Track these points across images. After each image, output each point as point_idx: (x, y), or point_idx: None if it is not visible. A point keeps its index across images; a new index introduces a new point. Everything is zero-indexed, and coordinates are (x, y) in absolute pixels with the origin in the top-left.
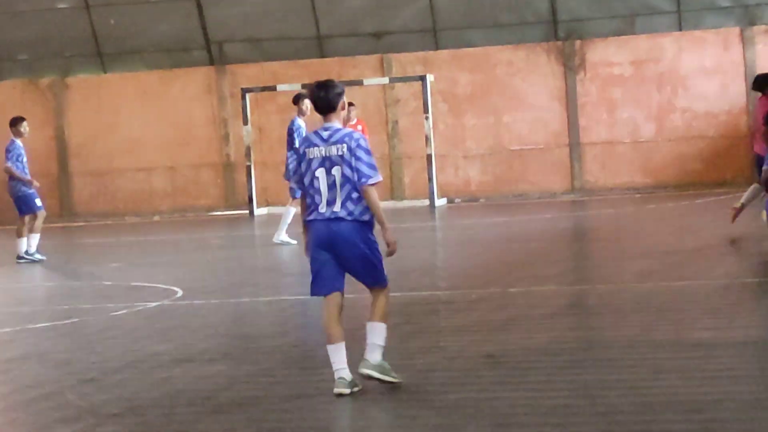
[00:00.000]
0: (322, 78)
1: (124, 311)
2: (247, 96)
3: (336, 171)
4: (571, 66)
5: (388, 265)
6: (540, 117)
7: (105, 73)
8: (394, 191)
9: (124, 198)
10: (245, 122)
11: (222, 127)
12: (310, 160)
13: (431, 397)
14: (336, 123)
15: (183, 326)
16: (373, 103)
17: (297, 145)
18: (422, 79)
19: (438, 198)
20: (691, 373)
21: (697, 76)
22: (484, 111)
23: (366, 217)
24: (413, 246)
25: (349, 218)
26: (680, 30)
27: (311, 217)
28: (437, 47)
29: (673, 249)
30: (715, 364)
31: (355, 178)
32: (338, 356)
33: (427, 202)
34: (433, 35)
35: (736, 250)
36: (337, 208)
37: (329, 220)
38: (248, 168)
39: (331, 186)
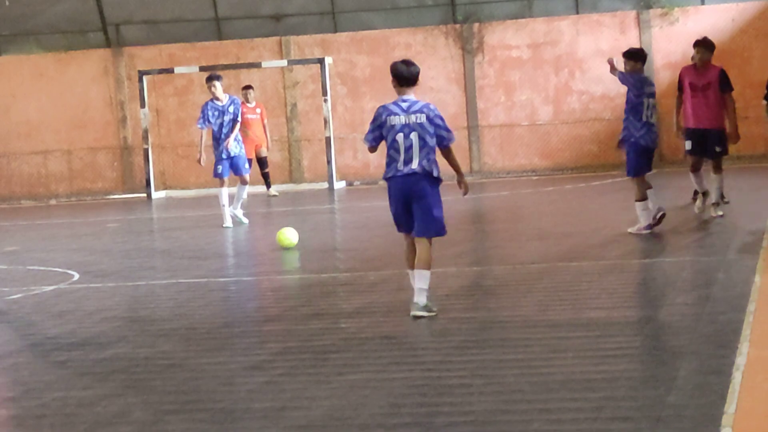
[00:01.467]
0: (220, 61)
1: (20, 295)
2: (144, 78)
3: (414, 136)
4: (469, 49)
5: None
6: (439, 99)
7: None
8: (293, 174)
9: (20, 182)
10: (142, 105)
11: (119, 110)
12: (392, 126)
13: (329, 379)
14: (413, 96)
15: (79, 310)
16: (271, 85)
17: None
18: (321, 61)
19: (337, 181)
20: (586, 352)
21: (594, 59)
22: (383, 94)
23: (435, 174)
24: (312, 229)
25: (422, 174)
26: (577, 13)
27: (390, 174)
28: (336, 30)
29: (570, 230)
30: (609, 343)
31: (434, 142)
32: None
33: (326, 184)
34: (332, 18)
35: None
36: (414, 165)
37: (406, 175)
38: (146, 151)
39: (408, 148)
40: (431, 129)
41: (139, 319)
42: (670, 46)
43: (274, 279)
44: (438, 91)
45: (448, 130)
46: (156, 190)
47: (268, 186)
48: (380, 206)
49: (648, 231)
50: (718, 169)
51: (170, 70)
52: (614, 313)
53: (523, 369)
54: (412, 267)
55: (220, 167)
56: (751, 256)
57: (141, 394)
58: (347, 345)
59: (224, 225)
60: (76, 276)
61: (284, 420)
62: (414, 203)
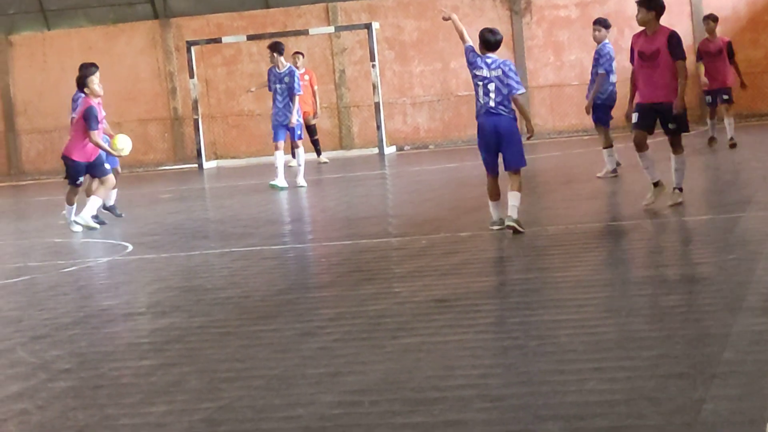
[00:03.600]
0: (268, 29)
1: (75, 268)
2: (193, 49)
3: (491, 86)
4: (517, 10)
5: (338, 214)
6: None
7: (49, 29)
8: (342, 140)
9: None
10: (191, 75)
11: (168, 81)
12: (476, 76)
13: (382, 343)
14: (494, 56)
15: (134, 281)
16: (319, 52)
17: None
18: (368, 27)
19: (387, 146)
20: (639, 310)
21: None
22: (431, 57)
23: (512, 115)
24: (364, 194)
25: (504, 113)
26: None
27: (479, 119)
28: None
29: (622, 189)
30: (663, 301)
31: (506, 91)
32: (495, 210)
33: (376, 150)
34: None
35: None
36: (492, 104)
37: (488, 113)
38: (196, 121)
39: (486, 94)
40: (505, 80)
41: (193, 288)
42: (719, 2)
43: (326, 245)
44: None
45: (518, 83)
46: (207, 160)
47: (318, 153)
48: (431, 170)
49: (614, 175)
50: (677, 148)
51: (218, 40)
52: (667, 272)
53: (577, 329)
54: (494, 199)
55: (279, 132)
56: None
57: (196, 363)
58: (400, 309)
59: (273, 183)
60: (130, 247)
61: (339, 385)
62: (501, 140)
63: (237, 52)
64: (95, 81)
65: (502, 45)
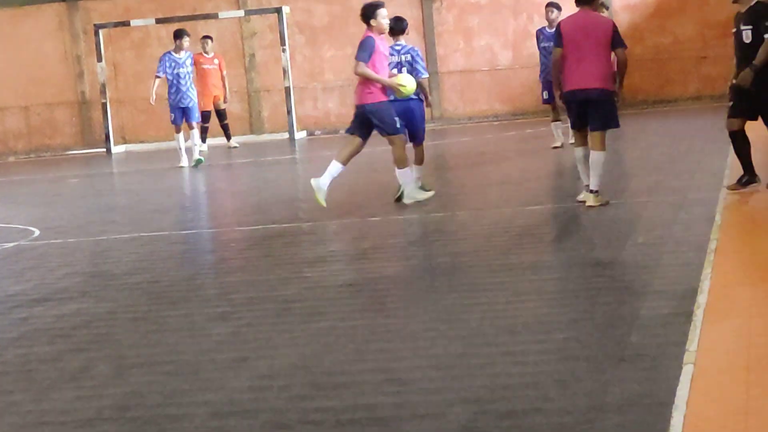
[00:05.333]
0: (177, 12)
1: None
2: (101, 32)
3: (403, 70)
4: None
5: (248, 198)
6: None
7: None
8: (253, 125)
9: None
10: (99, 59)
11: (76, 65)
12: (390, 63)
13: (292, 327)
14: (403, 41)
15: (41, 266)
16: (229, 36)
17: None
18: (278, 11)
19: (298, 131)
20: (548, 294)
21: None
22: (342, 42)
23: (419, 98)
24: (274, 179)
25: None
26: None
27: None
28: None
29: (531, 175)
30: (572, 285)
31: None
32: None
33: (286, 135)
34: None
35: None
36: None
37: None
38: (104, 105)
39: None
40: (414, 65)
41: (101, 273)
42: None
43: (235, 230)
44: None
45: (423, 68)
46: (115, 144)
47: (228, 138)
48: None
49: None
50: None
51: (126, 23)
52: (576, 255)
53: (487, 313)
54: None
55: (173, 116)
56: (712, 195)
57: (104, 349)
58: (310, 294)
59: (180, 164)
60: (37, 232)
61: (248, 370)
62: (411, 118)
63: (146, 36)
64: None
65: (413, 30)
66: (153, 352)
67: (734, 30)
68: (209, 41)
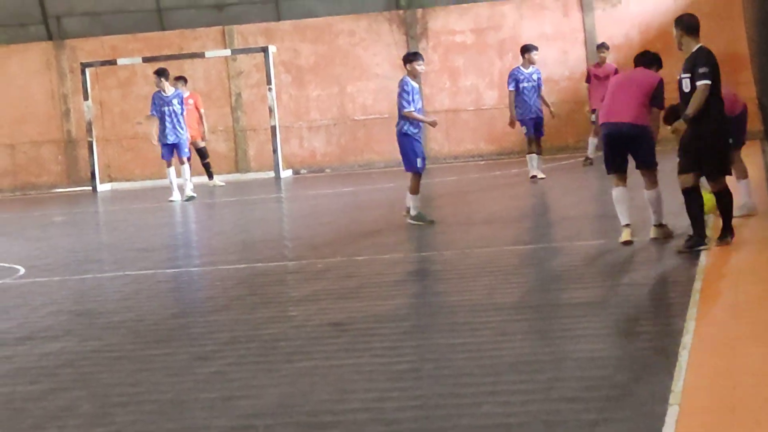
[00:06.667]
0: (163, 51)
1: None
2: (87, 71)
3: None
4: (413, 35)
5: (233, 237)
6: (383, 86)
7: None
8: (239, 164)
9: None
10: (86, 97)
11: (62, 103)
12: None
13: (277, 366)
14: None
15: (25, 304)
16: (215, 75)
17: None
18: (264, 50)
19: (283, 169)
20: (533, 334)
21: (538, 43)
22: (328, 82)
23: (398, 128)
24: (259, 218)
25: (397, 126)
26: None
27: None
28: (279, 18)
29: (516, 214)
30: (556, 325)
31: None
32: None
33: (272, 173)
34: (275, 6)
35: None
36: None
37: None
38: (90, 144)
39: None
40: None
41: (86, 312)
42: (612, 29)
43: (221, 269)
44: (383, 78)
45: (406, 102)
46: (101, 182)
47: (210, 176)
48: (327, 194)
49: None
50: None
51: (113, 62)
52: (561, 295)
53: (472, 352)
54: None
55: (162, 151)
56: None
57: (88, 387)
58: (295, 333)
59: (171, 198)
60: (22, 270)
61: (233, 409)
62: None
63: (132, 74)
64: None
65: (399, 69)
66: (137, 391)
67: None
68: (183, 81)
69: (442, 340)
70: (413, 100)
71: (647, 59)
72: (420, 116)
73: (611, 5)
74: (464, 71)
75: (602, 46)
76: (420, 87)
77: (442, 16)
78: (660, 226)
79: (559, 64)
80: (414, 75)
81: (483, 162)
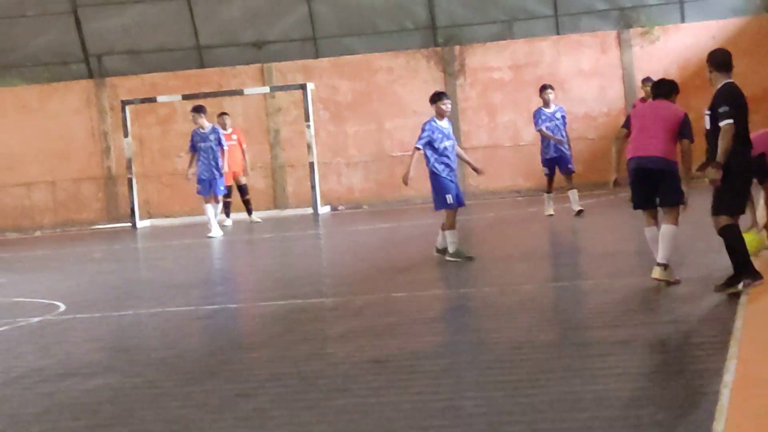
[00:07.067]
0: (202, 89)
1: (6, 327)
2: (127, 108)
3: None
4: (451, 71)
5: (272, 274)
6: (421, 123)
7: None
8: (277, 200)
9: (5, 214)
10: (126, 135)
11: (102, 140)
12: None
13: (317, 404)
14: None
15: (66, 341)
16: (254, 112)
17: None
18: (303, 87)
19: (321, 206)
20: (573, 371)
21: (576, 79)
22: (366, 118)
23: (429, 166)
24: (298, 254)
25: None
26: (558, 34)
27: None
28: (317, 55)
29: (555, 251)
30: (597, 363)
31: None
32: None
33: (310, 210)
34: (314, 43)
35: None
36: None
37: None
38: (130, 180)
39: None
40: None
41: (126, 348)
42: (651, 66)
43: (260, 305)
44: (421, 114)
45: (419, 138)
46: (141, 219)
47: (250, 212)
48: (365, 230)
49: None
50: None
51: (153, 100)
52: (601, 333)
53: (512, 390)
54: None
55: (198, 187)
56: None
57: (129, 424)
58: (335, 370)
59: (210, 235)
60: (63, 307)
61: None
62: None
63: (171, 112)
64: None
65: (432, 106)
66: (177, 428)
67: None
68: (226, 117)
69: (481, 378)
70: (436, 139)
71: (665, 90)
72: (411, 167)
73: (649, 42)
74: (502, 107)
75: (647, 80)
76: (450, 126)
77: (479, 52)
78: (665, 267)
79: (597, 100)
80: (441, 115)
81: (521, 198)
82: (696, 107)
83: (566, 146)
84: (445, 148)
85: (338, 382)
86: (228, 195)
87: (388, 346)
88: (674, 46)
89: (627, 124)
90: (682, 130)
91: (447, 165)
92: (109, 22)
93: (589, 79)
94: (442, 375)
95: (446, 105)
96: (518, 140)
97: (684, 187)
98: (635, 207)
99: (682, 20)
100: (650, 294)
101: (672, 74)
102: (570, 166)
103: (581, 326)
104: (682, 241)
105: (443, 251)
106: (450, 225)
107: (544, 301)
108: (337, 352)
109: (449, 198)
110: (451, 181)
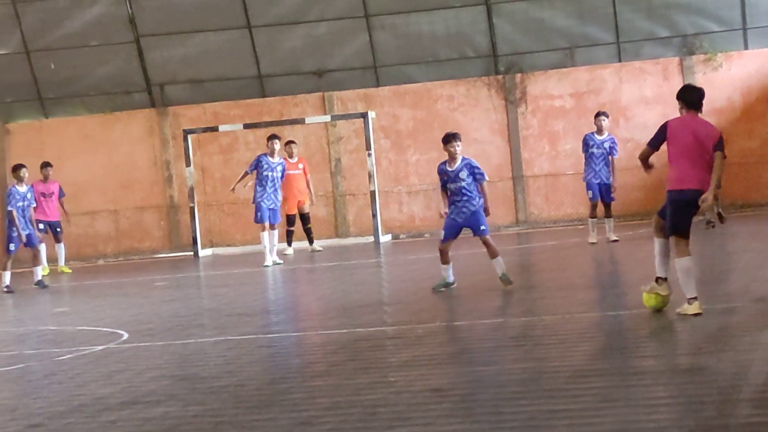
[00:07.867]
0: (264, 118)
1: (70, 356)
2: (189, 137)
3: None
4: (512, 99)
5: (333, 302)
6: (482, 151)
7: (46, 117)
8: (338, 228)
9: (68, 242)
10: (188, 164)
11: (165, 169)
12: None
13: None
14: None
15: (129, 369)
16: (315, 141)
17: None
18: (364, 116)
19: (383, 234)
20: (637, 401)
21: (638, 107)
22: (427, 146)
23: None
24: (359, 282)
25: None
26: (620, 61)
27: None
28: (378, 84)
29: (617, 279)
30: (661, 392)
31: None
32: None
33: (371, 238)
34: (374, 72)
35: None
36: None
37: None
38: (192, 209)
39: None
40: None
41: (189, 377)
42: (714, 93)
43: (321, 334)
44: (482, 143)
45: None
46: (202, 248)
47: (311, 241)
48: (426, 259)
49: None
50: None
51: (215, 129)
52: (663, 361)
53: (574, 419)
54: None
55: (259, 214)
56: None
57: None
58: (396, 398)
59: (264, 264)
60: (125, 335)
61: None
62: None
63: (233, 141)
64: None
65: (498, 134)
66: None
67: None
68: (294, 146)
69: (543, 407)
70: (447, 180)
71: (695, 98)
72: (440, 204)
73: (712, 68)
74: (563, 135)
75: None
76: (463, 166)
77: (540, 80)
78: (663, 281)
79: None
80: (451, 157)
81: (582, 226)
82: (760, 134)
83: (609, 176)
84: (452, 191)
85: (399, 410)
86: (291, 224)
87: (449, 374)
88: (737, 73)
89: (654, 143)
90: (717, 145)
91: (454, 204)
92: (171, 51)
93: (651, 107)
94: (504, 404)
95: (454, 147)
96: (579, 168)
97: (709, 195)
98: (678, 234)
99: (746, 47)
100: (712, 322)
101: (735, 101)
102: (611, 194)
103: (644, 354)
104: (744, 267)
105: (506, 279)
106: (443, 260)
107: (606, 329)
108: (398, 381)
109: (441, 234)
110: (454, 219)
